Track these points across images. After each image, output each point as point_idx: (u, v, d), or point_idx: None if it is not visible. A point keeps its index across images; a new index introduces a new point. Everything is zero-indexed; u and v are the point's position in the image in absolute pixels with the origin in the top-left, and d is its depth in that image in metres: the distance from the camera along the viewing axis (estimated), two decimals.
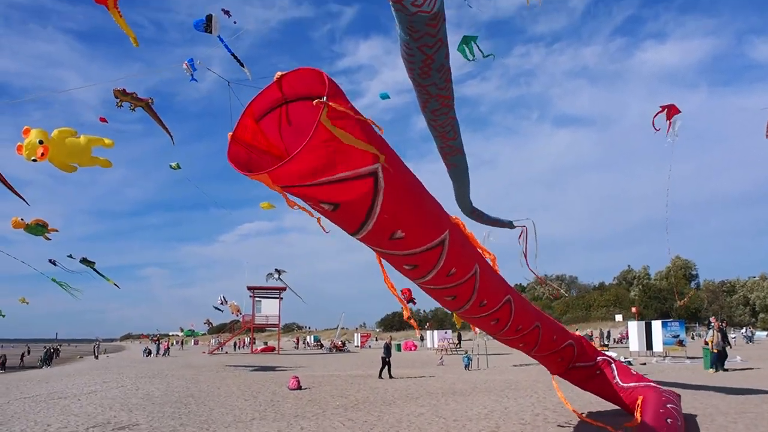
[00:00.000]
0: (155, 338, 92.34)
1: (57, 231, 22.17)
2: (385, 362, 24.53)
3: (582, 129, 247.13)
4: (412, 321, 11.05)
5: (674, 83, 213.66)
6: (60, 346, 78.54)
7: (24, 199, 17.42)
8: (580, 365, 11.76)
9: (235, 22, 18.86)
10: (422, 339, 71.31)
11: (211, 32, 17.65)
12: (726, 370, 23.06)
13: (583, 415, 11.83)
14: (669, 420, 9.16)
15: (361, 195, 4.81)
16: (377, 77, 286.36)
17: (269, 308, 60.03)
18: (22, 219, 20.60)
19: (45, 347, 55.25)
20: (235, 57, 18.72)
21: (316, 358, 47.62)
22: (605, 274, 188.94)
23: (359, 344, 77.27)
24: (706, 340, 24.60)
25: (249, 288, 60.51)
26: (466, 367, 28.17)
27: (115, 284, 31.15)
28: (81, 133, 15.73)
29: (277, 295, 59.94)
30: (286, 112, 5.07)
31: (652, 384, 11.43)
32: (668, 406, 9.84)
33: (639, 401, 10.32)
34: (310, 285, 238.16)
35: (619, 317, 67.74)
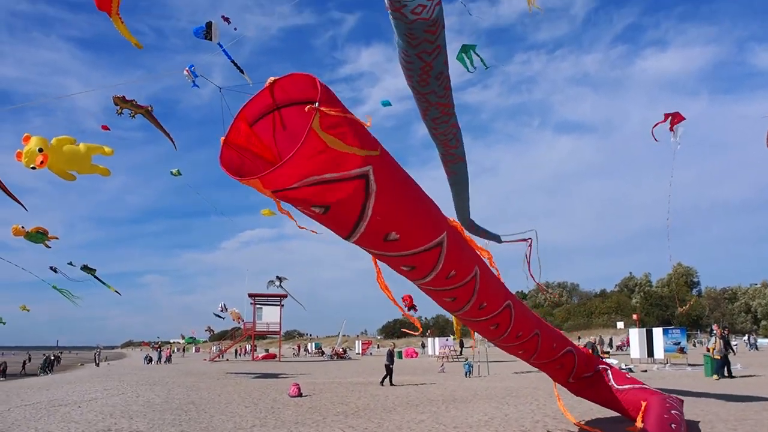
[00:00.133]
0: (156, 346, 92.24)
1: (57, 238, 22.19)
2: (389, 369, 24.52)
3: (583, 136, 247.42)
4: (413, 319, 11.09)
5: (675, 91, 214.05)
6: (61, 353, 78.55)
7: (23, 205, 17.45)
8: (581, 377, 11.75)
9: (235, 29, 18.91)
10: (423, 346, 71.23)
11: (211, 39, 17.71)
12: (733, 377, 23.03)
13: (582, 422, 11.85)
14: (673, 425, 9.15)
15: (351, 196, 4.81)
16: (379, 84, 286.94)
17: (270, 315, 60.01)
18: (22, 227, 20.64)
19: (44, 355, 55.21)
20: (235, 64, 18.77)
21: (317, 365, 47.58)
22: (607, 281, 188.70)
23: (360, 351, 77.19)
24: (708, 347, 24.57)
25: (250, 295, 60.52)
26: (467, 374, 28.13)
27: (116, 291, 31.19)
28: (83, 141, 15.79)
29: (278, 303, 59.92)
30: (280, 117, 5.10)
31: (646, 387, 11.44)
32: (672, 412, 9.85)
33: (643, 406, 10.34)
34: (311, 292, 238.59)
35: (620, 324, 67.62)
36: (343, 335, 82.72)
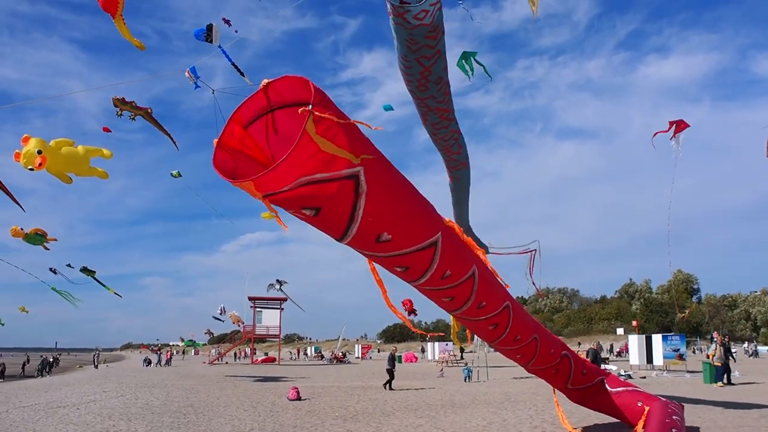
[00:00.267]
0: (155, 348, 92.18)
1: (56, 240, 22.23)
2: (391, 373, 24.47)
3: (585, 142, 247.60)
4: (419, 331, 11.18)
5: (677, 97, 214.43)
6: (59, 355, 78.43)
7: (20, 206, 17.47)
8: (581, 387, 11.75)
9: (236, 31, 18.96)
10: (423, 351, 71.21)
11: (211, 42, 17.75)
12: (732, 384, 23.02)
13: (579, 429, 11.87)
14: (674, 430, 9.18)
15: (340, 197, 4.81)
16: (380, 89, 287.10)
17: (270, 319, 59.97)
18: (21, 228, 20.67)
19: (42, 356, 55.18)
20: (235, 66, 18.81)
21: (316, 369, 47.55)
22: (607, 287, 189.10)
23: (360, 355, 77.14)
24: (709, 354, 24.57)
25: (250, 298, 60.50)
26: (466, 378, 28.12)
27: (116, 293, 31.24)
28: (84, 142, 15.84)
29: (278, 306, 59.90)
30: (273, 120, 5.11)
31: (647, 393, 11.47)
32: (673, 417, 9.88)
33: (646, 411, 10.37)
34: (311, 295, 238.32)
35: (620, 331, 67.64)
36: (343, 339, 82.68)
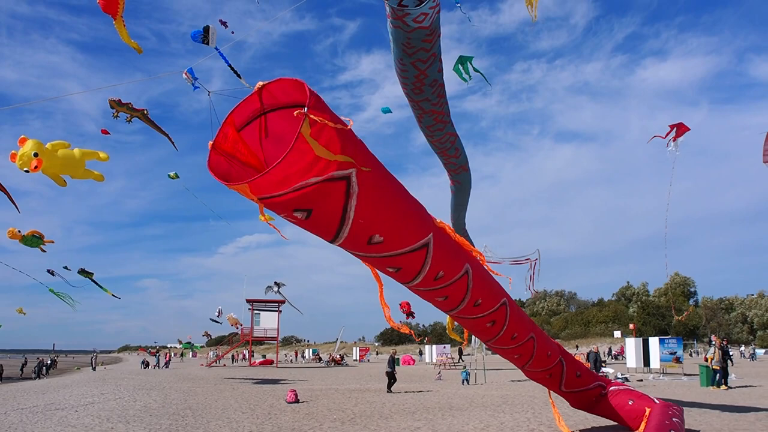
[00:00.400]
0: (153, 351, 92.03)
1: (53, 242, 22.25)
2: (392, 376, 24.48)
3: (583, 145, 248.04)
4: (403, 328, 11.14)
5: (675, 100, 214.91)
6: (57, 357, 78.40)
7: (16, 205, 17.50)
8: (576, 390, 11.80)
9: (232, 32, 19.06)
10: (421, 353, 71.25)
11: (208, 43, 17.82)
12: (729, 387, 23.07)
13: None
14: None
15: (332, 199, 4.83)
16: (379, 91, 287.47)
17: (268, 321, 60.02)
18: (18, 231, 20.69)
19: (39, 359, 55.19)
20: (232, 67, 18.90)
21: (314, 371, 47.57)
22: (604, 290, 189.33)
23: (358, 358, 77.15)
24: (707, 357, 24.60)
25: (248, 301, 60.53)
26: (465, 381, 28.17)
27: (114, 295, 31.27)
28: (82, 144, 15.89)
29: (276, 308, 59.95)
30: (265, 122, 5.13)
31: (649, 396, 11.53)
32: (673, 419, 9.95)
33: (647, 412, 10.44)
34: (308, 298, 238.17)
35: (617, 333, 67.74)
36: (341, 342, 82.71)
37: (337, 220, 5.07)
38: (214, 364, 62.60)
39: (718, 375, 23.40)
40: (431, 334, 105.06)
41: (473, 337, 33.78)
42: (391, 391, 23.60)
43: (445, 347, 58.09)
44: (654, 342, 33.36)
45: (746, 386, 24.21)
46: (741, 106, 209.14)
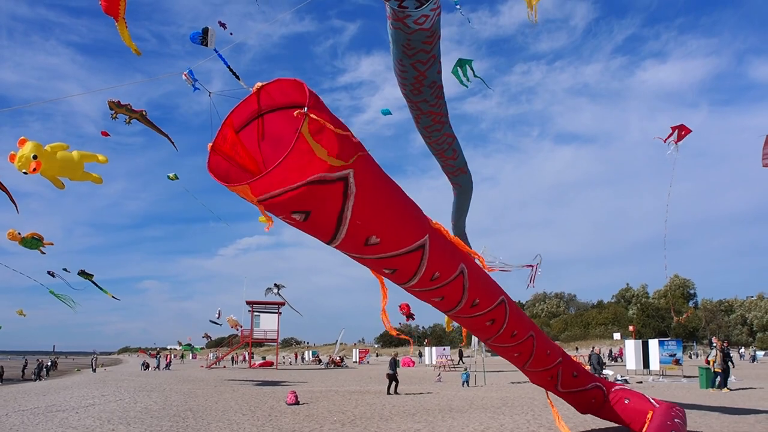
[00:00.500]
0: (153, 353, 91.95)
1: (52, 244, 22.25)
2: (394, 378, 24.48)
3: (583, 146, 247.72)
4: (393, 331, 11.14)
5: (675, 102, 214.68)
6: (57, 358, 78.44)
7: (16, 205, 17.50)
8: (576, 390, 11.83)
9: (231, 34, 19.08)
10: (421, 355, 71.28)
11: (207, 45, 17.85)
12: (729, 389, 23.10)
13: None
14: None
15: (330, 200, 4.83)
16: (378, 93, 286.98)
17: (268, 323, 60.03)
18: (19, 233, 20.70)
19: (38, 360, 55.23)
20: (231, 69, 18.93)
21: (314, 373, 47.59)
22: (604, 292, 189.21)
23: (357, 360, 77.17)
24: (708, 359, 24.59)
25: (248, 302, 60.55)
26: (465, 383, 28.20)
27: (113, 297, 31.24)
28: (82, 145, 15.95)
29: (276, 310, 59.96)
30: (263, 123, 5.13)
31: (652, 398, 11.56)
32: (675, 420, 9.99)
33: (650, 415, 10.47)
34: (308, 300, 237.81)
35: (617, 335, 67.71)
36: (341, 344, 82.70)
37: (334, 222, 5.07)
38: (214, 365, 62.61)
39: (719, 377, 23.42)
40: (431, 336, 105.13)
41: (473, 338, 33.85)
42: (390, 393, 23.62)
43: (444, 349, 58.11)
44: (653, 344, 33.40)
45: (746, 388, 24.25)
46: (741, 107, 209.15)
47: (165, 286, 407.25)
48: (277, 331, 60.56)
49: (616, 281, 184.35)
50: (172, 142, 20.51)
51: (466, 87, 14.50)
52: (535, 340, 10.06)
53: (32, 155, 14.27)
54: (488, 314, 8.48)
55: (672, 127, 20.71)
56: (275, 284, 58.55)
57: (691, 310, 77.10)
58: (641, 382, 27.99)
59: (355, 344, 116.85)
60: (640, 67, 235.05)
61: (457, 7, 13.38)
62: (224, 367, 63.13)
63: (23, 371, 51.34)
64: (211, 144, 4.91)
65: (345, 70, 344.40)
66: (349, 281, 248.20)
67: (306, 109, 4.35)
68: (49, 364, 57.62)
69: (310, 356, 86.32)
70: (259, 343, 74.24)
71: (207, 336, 79.69)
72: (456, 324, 26.54)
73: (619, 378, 27.79)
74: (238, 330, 63.56)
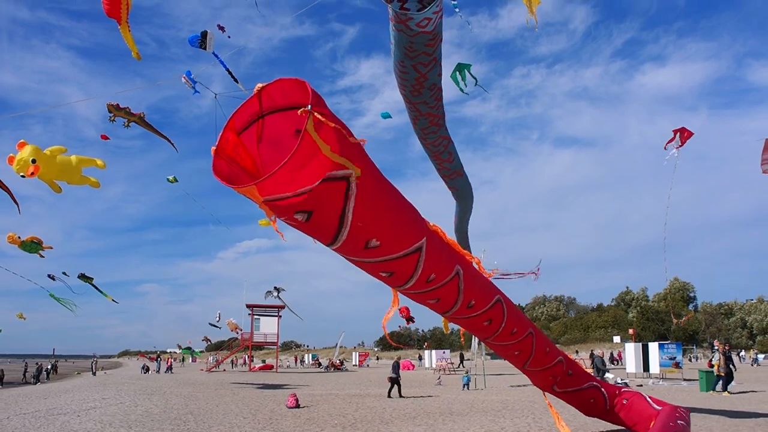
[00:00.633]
0: (153, 357, 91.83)
1: (51, 248, 22.28)
2: (397, 381, 24.48)
3: (582, 150, 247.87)
4: (390, 340, 11.17)
5: (674, 105, 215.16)
6: (57, 361, 78.41)
7: (17, 204, 17.53)
8: (572, 390, 11.84)
9: (229, 37, 19.13)
10: (420, 358, 71.25)
11: (206, 48, 17.90)
12: (730, 393, 23.08)
13: None
14: None
15: (333, 200, 4.84)
16: (378, 96, 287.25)
17: (268, 326, 60.00)
18: (19, 237, 20.73)
19: (38, 363, 55.20)
20: (230, 72, 18.98)
21: (314, 376, 47.57)
22: (603, 295, 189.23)
23: (357, 363, 77.13)
24: (712, 363, 24.52)
25: (248, 306, 60.54)
26: (465, 386, 28.21)
27: (113, 300, 31.27)
28: (82, 149, 15.98)
29: (276, 314, 59.94)
30: (263, 125, 5.16)
31: (655, 399, 11.58)
32: (679, 422, 10.01)
33: (652, 423, 10.49)
34: (308, 303, 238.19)
35: (616, 338, 67.75)
36: (341, 347, 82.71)
37: (336, 223, 5.07)
38: (214, 369, 62.58)
39: (722, 380, 23.37)
40: (431, 339, 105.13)
41: (473, 341, 33.89)
42: (391, 397, 23.63)
43: (444, 352, 58.07)
44: (653, 347, 33.39)
45: (747, 392, 24.26)
46: (740, 111, 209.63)
47: (165, 289, 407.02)
48: (277, 335, 60.55)
49: (615, 284, 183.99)
50: (172, 144, 20.55)
51: (464, 93, 14.55)
52: (535, 338, 10.08)
53: (31, 159, 14.32)
54: (485, 314, 8.49)
55: (674, 131, 20.78)
56: (275, 287, 58.59)
57: (691, 314, 77.05)
58: (641, 385, 27.99)
59: (354, 347, 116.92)
60: (640, 71, 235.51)
61: (456, 10, 13.45)
62: (224, 370, 63.10)
63: (24, 374, 51.33)
64: (214, 148, 4.94)
65: (345, 74, 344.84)
66: (348, 285, 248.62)
67: (310, 106, 4.38)
68: (50, 367, 57.58)
69: (310, 359, 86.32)
70: (259, 347, 74.11)
71: (207, 339, 79.62)
72: (455, 326, 26.81)
73: (620, 381, 27.82)
74: (238, 333, 63.55)
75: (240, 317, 63.80)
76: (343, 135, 4.73)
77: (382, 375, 42.77)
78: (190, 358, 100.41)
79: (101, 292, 29.41)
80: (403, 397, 23.58)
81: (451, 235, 7.78)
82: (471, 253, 8.28)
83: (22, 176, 14.40)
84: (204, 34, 17.74)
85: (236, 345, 67.41)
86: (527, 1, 13.26)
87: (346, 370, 62.19)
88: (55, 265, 59.02)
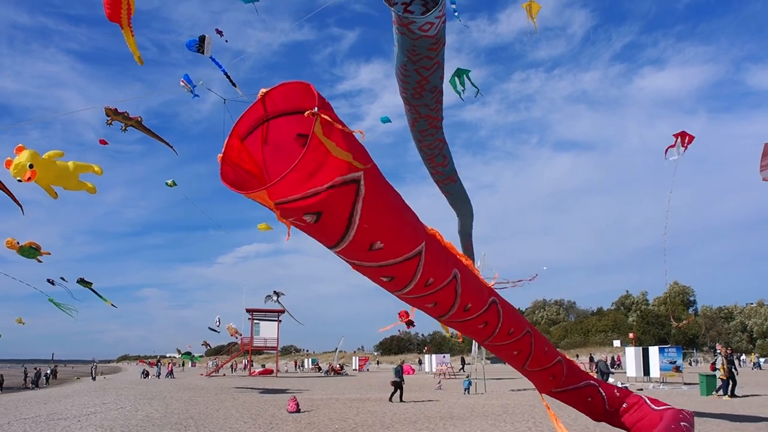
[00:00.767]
0: (152, 362, 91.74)
1: (49, 254, 22.32)
2: (399, 385, 24.46)
3: (582, 154, 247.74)
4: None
5: (673, 109, 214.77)
6: (56, 366, 78.31)
7: (20, 206, 17.56)
8: (571, 387, 11.82)
9: (226, 41, 19.20)
10: (420, 363, 71.24)
11: (203, 53, 17.96)
12: (736, 396, 23.07)
13: None
14: None
15: (342, 202, 4.82)
16: (377, 101, 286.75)
17: (268, 331, 60.03)
18: (17, 242, 20.76)
19: (36, 368, 55.13)
20: (228, 76, 19.04)
21: (314, 381, 47.55)
22: (603, 299, 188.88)
23: (357, 367, 77.10)
24: (717, 366, 24.49)
25: (248, 310, 60.54)
26: (466, 390, 28.22)
27: (112, 304, 31.28)
28: (81, 153, 16.08)
29: (276, 318, 59.95)
30: (267, 130, 5.14)
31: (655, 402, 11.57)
32: (682, 424, 10.00)
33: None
34: (307, 307, 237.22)
35: (617, 343, 67.71)
36: (340, 351, 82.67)
37: (344, 224, 5.03)
38: (213, 373, 62.55)
39: (724, 384, 23.35)
40: (430, 344, 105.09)
41: (473, 345, 33.89)
42: (391, 401, 23.64)
43: (444, 356, 58.09)
44: (654, 351, 33.42)
45: (747, 395, 24.26)
46: (739, 114, 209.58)
47: (164, 294, 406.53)
48: (277, 339, 60.55)
49: (615, 288, 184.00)
50: (171, 147, 20.60)
51: (462, 99, 14.59)
52: (533, 337, 10.07)
53: (28, 164, 14.35)
54: (480, 317, 8.47)
55: (675, 135, 20.83)
56: (274, 291, 58.59)
57: (691, 317, 77.05)
58: (641, 389, 27.98)
59: (354, 352, 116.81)
60: (639, 75, 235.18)
61: (456, 14, 13.51)
62: (224, 375, 63.05)
63: (25, 379, 51.25)
64: (221, 155, 4.96)
65: (344, 78, 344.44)
66: (348, 288, 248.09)
67: (316, 108, 4.40)
68: (49, 372, 57.51)
69: (310, 364, 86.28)
70: (259, 351, 74.12)
71: (206, 344, 79.61)
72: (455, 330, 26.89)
73: (620, 385, 27.79)
74: (237, 338, 63.53)
75: (240, 322, 63.79)
76: (350, 136, 4.75)
77: (382, 379, 42.77)
78: (190, 363, 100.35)
79: (100, 296, 29.43)
80: (404, 401, 23.58)
81: (449, 238, 7.79)
82: (475, 257, 8.31)
83: (19, 180, 14.43)
84: (202, 39, 17.80)
85: (236, 350, 67.42)
86: (527, 6, 13.35)
87: (346, 374, 62.15)
88: (54, 269, 59.02)
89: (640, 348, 35.72)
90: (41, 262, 21.99)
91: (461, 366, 57.32)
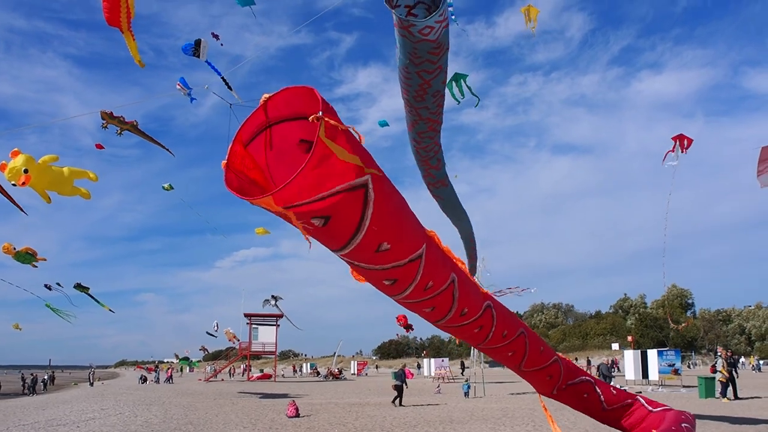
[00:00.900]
0: (151, 367, 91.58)
1: (45, 260, 22.30)
2: (401, 389, 24.45)
3: (580, 157, 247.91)
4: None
5: (671, 112, 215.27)
6: (54, 372, 78.10)
7: (20, 207, 17.54)
8: (571, 383, 11.81)
9: (221, 45, 19.23)
10: (419, 367, 71.17)
11: (199, 57, 17.99)
12: (729, 399, 23.06)
13: None
14: None
15: (352, 206, 4.81)
16: (375, 105, 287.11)
17: (266, 335, 59.91)
18: (14, 247, 20.74)
19: (32, 374, 54.97)
20: (225, 80, 19.07)
21: (313, 385, 47.48)
22: (601, 302, 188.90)
23: (356, 372, 77.03)
24: (719, 369, 24.48)
25: (246, 315, 60.46)
26: (466, 394, 28.20)
27: (109, 309, 31.23)
28: (78, 158, 16.07)
29: (274, 323, 59.87)
30: (270, 135, 5.14)
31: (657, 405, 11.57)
32: (683, 425, 9.99)
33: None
34: (306, 312, 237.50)
35: (615, 346, 67.64)
36: (339, 356, 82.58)
37: (353, 228, 5.01)
38: (212, 378, 62.44)
39: (723, 387, 23.33)
40: (429, 348, 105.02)
41: (473, 349, 33.90)
42: (395, 404, 23.62)
43: (443, 360, 57.99)
44: (652, 354, 33.45)
45: (746, 398, 24.26)
46: (736, 118, 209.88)
47: (162, 298, 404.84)
48: (275, 344, 60.46)
49: (613, 291, 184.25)
50: (168, 150, 20.57)
51: (459, 103, 14.62)
52: (527, 337, 10.06)
53: (23, 169, 14.35)
54: (476, 322, 8.46)
55: (673, 138, 20.86)
56: (272, 296, 58.57)
57: (690, 320, 77.05)
58: (640, 392, 27.98)
59: (353, 356, 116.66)
60: (636, 78, 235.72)
61: (453, 17, 13.54)
62: (222, 380, 62.95)
63: (23, 385, 51.11)
64: (224, 162, 4.96)
65: (342, 82, 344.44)
66: (346, 293, 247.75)
67: (321, 113, 4.41)
68: (46, 378, 57.34)
69: (308, 368, 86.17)
70: (257, 356, 73.99)
71: (204, 349, 79.51)
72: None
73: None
74: (235, 343, 63.43)
75: (238, 326, 63.74)
76: (355, 139, 4.75)
77: (381, 384, 42.74)
78: (188, 368, 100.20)
79: (97, 301, 29.36)
80: (404, 405, 23.56)
81: (446, 243, 7.79)
82: (477, 262, 8.32)
83: (13, 185, 14.44)
84: (198, 43, 17.83)
85: (234, 354, 67.26)
86: (525, 10, 13.38)
87: (345, 379, 62.09)
88: (51, 275, 58.86)
89: (639, 351, 35.75)
90: (36, 266, 21.97)
91: (461, 370, 57.27)
